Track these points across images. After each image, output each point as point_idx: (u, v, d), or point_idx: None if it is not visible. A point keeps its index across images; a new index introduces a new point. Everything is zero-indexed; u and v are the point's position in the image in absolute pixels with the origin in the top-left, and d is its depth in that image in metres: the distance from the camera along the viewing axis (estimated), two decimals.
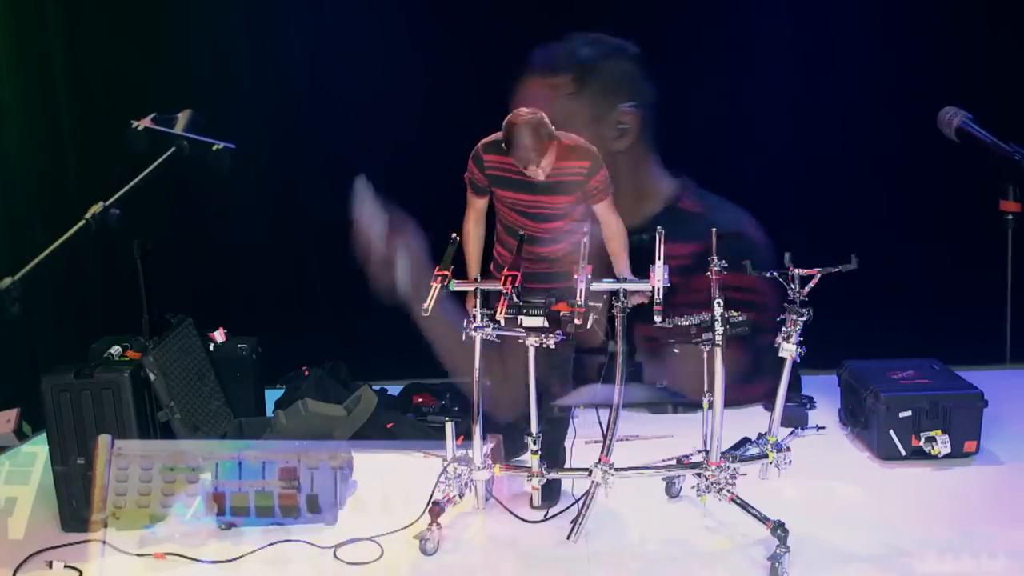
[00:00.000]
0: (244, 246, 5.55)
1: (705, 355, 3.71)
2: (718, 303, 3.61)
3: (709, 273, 3.65)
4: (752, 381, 4.97)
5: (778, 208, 5.28)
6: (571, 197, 3.91)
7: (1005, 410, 4.71)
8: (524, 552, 3.80)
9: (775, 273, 3.71)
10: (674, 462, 3.91)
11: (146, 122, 2.33)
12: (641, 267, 3.77)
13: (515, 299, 3.63)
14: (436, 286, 3.68)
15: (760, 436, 3.84)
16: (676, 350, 3.87)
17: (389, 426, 4.88)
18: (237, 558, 3.80)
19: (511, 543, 3.86)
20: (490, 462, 3.84)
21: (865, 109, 5.47)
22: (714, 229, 3.76)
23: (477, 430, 3.81)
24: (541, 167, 3.74)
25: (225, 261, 5.56)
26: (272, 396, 5.23)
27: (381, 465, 4.56)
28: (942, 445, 4.39)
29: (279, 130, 5.41)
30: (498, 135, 3.84)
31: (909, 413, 4.42)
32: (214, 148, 2.12)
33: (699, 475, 3.75)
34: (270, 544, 3.88)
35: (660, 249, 3.67)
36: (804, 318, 3.66)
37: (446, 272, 3.72)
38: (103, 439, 3.93)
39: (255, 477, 3.99)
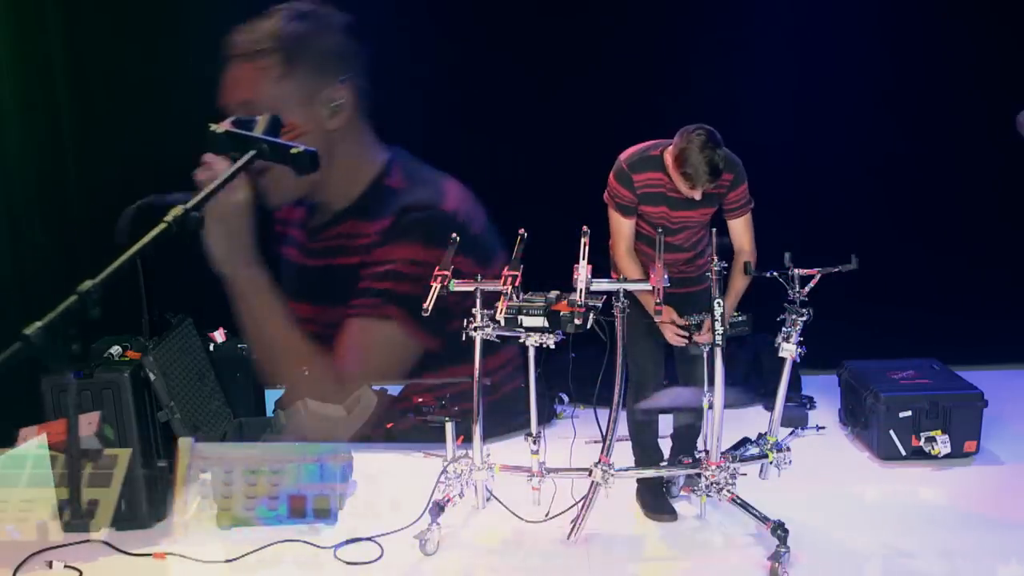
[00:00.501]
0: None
1: (705, 355, 3.73)
2: (718, 303, 3.60)
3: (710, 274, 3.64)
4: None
5: (779, 208, 5.28)
6: (713, 208, 3.77)
7: (1005, 410, 4.71)
8: (524, 552, 3.81)
9: (775, 273, 3.70)
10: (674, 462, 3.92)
11: (226, 125, 2.32)
12: None
13: (515, 299, 3.64)
14: (436, 286, 3.67)
15: (760, 436, 3.84)
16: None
17: (389, 426, 4.88)
18: (237, 558, 3.80)
19: (511, 543, 3.86)
20: (490, 462, 3.85)
21: (866, 109, 5.47)
22: (714, 229, 3.76)
23: (477, 430, 3.81)
24: (707, 188, 3.57)
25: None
26: (272, 396, 5.23)
27: (381, 465, 4.56)
28: (942, 445, 4.40)
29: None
30: (642, 149, 3.72)
31: (909, 413, 4.42)
32: (293, 151, 2.12)
33: (699, 475, 3.75)
34: (270, 544, 3.88)
35: (660, 249, 3.67)
36: (804, 318, 3.66)
37: (446, 272, 3.71)
38: (185, 442, 3.93)
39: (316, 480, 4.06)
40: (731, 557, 3.72)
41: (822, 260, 3.73)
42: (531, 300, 3.68)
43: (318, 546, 3.86)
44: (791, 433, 3.94)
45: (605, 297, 3.72)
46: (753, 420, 4.36)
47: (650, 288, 3.58)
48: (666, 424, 4.11)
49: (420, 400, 5.13)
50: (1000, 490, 4.21)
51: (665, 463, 3.98)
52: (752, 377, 5.22)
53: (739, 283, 3.79)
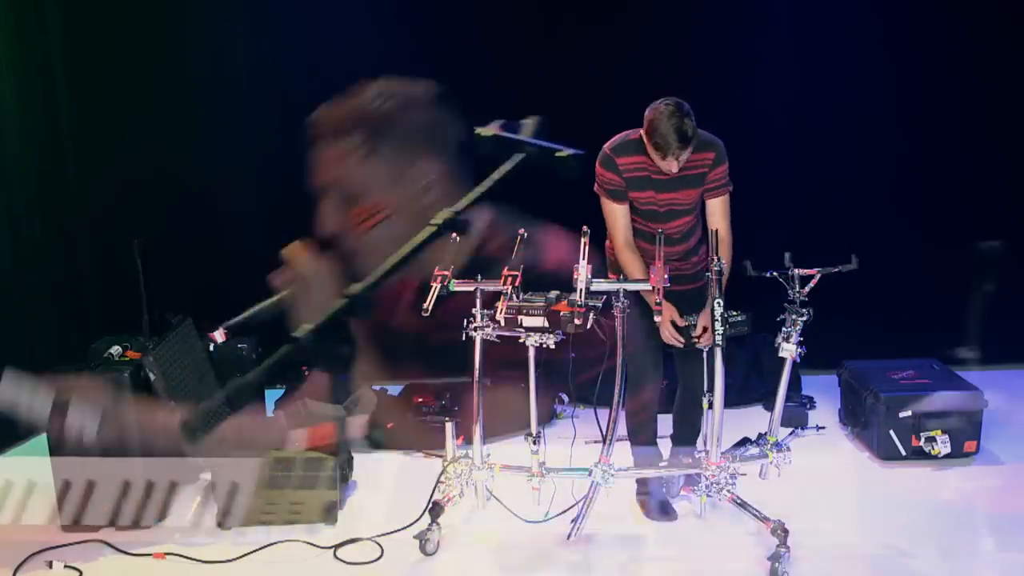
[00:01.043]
0: (245, 246, 5.55)
1: (705, 354, 3.73)
2: (718, 303, 3.60)
3: (709, 274, 3.64)
4: None
5: (779, 208, 5.29)
6: (698, 190, 3.81)
7: (1005, 410, 4.71)
8: (524, 552, 3.80)
9: (775, 273, 3.70)
10: (674, 462, 3.92)
11: (494, 128, 2.33)
12: None
13: (515, 299, 3.64)
14: (436, 286, 3.67)
15: (760, 436, 3.83)
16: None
17: (390, 426, 4.88)
18: (237, 558, 3.80)
19: (511, 543, 3.86)
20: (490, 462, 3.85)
21: (866, 109, 5.47)
22: (715, 230, 3.76)
23: (477, 430, 3.81)
24: (680, 159, 3.63)
25: (225, 261, 5.56)
26: (272, 396, 5.23)
27: (381, 465, 4.56)
28: (942, 445, 4.40)
29: (279, 130, 5.40)
30: (624, 135, 3.80)
31: (909, 413, 4.42)
32: (558, 155, 2.13)
33: (699, 475, 3.75)
34: (270, 544, 3.88)
35: (660, 249, 3.67)
36: (804, 318, 3.66)
37: (446, 272, 3.71)
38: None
39: None
40: (731, 557, 3.72)
41: (822, 260, 3.73)
42: (531, 300, 3.68)
43: (318, 546, 3.86)
44: (791, 433, 3.94)
45: (605, 297, 3.72)
46: (753, 420, 4.36)
47: (651, 288, 3.58)
48: (664, 424, 4.11)
49: (420, 400, 5.14)
50: (1000, 490, 4.21)
51: (665, 463, 3.98)
52: (752, 377, 5.22)
53: (727, 256, 3.79)
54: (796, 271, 3.69)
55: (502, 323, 3.65)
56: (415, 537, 3.79)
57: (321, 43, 5.45)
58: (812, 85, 5.43)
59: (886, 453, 4.46)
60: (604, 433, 3.75)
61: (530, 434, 3.80)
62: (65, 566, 3.75)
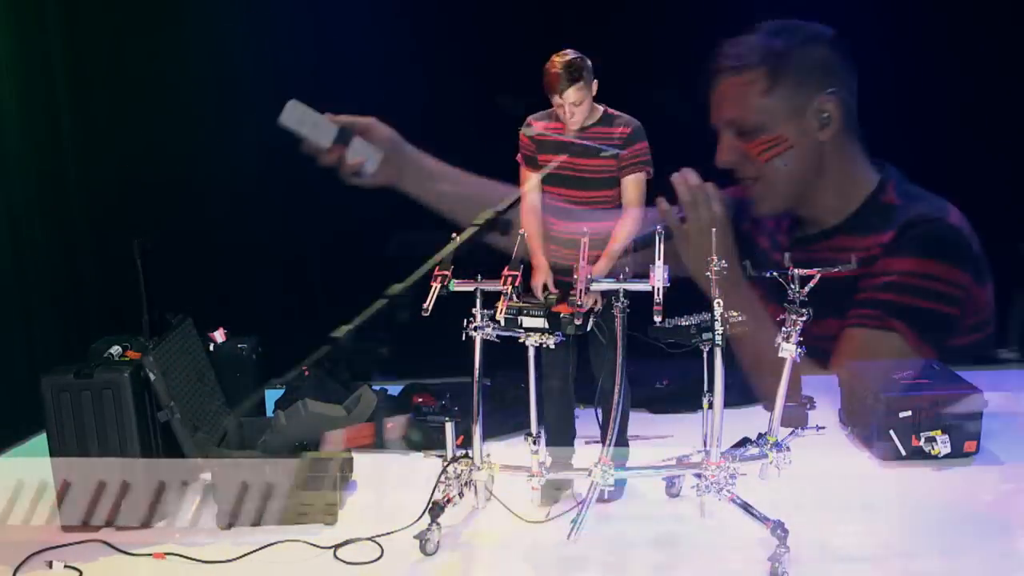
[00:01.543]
0: (244, 246, 5.56)
1: (705, 354, 3.73)
2: (718, 303, 3.60)
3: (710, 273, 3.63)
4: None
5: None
6: (610, 162, 3.85)
7: (1005, 410, 4.71)
8: (524, 552, 3.80)
9: (775, 273, 3.70)
10: (674, 462, 3.91)
11: None
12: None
13: (515, 299, 3.64)
14: (436, 286, 3.67)
15: (760, 436, 3.83)
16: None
17: (390, 426, 4.87)
18: (237, 558, 3.80)
19: (511, 543, 3.86)
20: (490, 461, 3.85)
21: (866, 109, 5.46)
22: (713, 230, 3.76)
23: (477, 430, 3.81)
24: (579, 109, 3.73)
25: (225, 261, 5.56)
26: (272, 396, 5.23)
27: (381, 465, 4.56)
28: (942, 445, 4.39)
29: (279, 130, 5.41)
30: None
31: (909, 413, 4.42)
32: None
33: (699, 475, 3.75)
34: (270, 544, 3.88)
35: (660, 249, 3.66)
36: (804, 318, 3.66)
37: (446, 272, 3.71)
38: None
39: None
40: (731, 557, 3.72)
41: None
42: (531, 300, 3.68)
43: (318, 546, 3.86)
44: (791, 433, 3.94)
45: (605, 298, 3.72)
46: (753, 420, 4.36)
47: (649, 288, 3.58)
48: (663, 425, 4.11)
49: (420, 400, 5.14)
50: (1000, 490, 4.21)
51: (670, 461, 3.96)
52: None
53: (621, 229, 3.82)
54: (796, 271, 3.69)
55: (502, 323, 3.65)
56: (415, 537, 3.79)
57: (321, 43, 5.45)
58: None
59: (886, 453, 4.46)
60: (604, 433, 3.75)
61: (530, 434, 3.81)
62: (65, 566, 3.74)
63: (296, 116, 4.95)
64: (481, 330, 3.73)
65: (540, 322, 3.61)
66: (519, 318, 3.63)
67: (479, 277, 3.74)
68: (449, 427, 3.85)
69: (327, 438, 4.43)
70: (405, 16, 5.34)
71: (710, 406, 3.71)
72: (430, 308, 3.61)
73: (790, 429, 3.98)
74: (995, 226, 5.28)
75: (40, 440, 4.27)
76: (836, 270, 3.70)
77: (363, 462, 4.47)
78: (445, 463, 3.85)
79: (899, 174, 5.28)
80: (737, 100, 5.13)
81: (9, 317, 5.17)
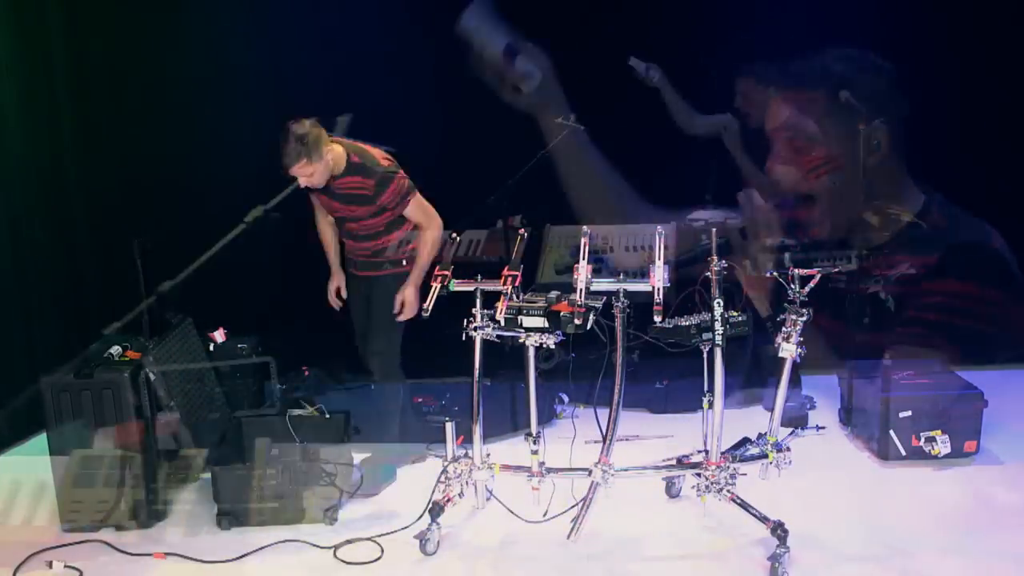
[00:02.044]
0: (244, 246, 5.55)
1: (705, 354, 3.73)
2: (718, 303, 3.60)
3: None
4: None
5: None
6: (365, 208, 4.21)
7: (1005, 410, 4.71)
8: (524, 552, 3.80)
9: (775, 273, 3.70)
10: (674, 462, 3.91)
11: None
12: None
13: (515, 299, 3.64)
14: (436, 286, 3.68)
15: (760, 436, 3.84)
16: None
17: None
18: (237, 558, 3.80)
19: (511, 543, 3.86)
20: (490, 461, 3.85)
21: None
22: (713, 230, 3.75)
23: (477, 430, 3.81)
24: (305, 176, 4.09)
25: (225, 261, 5.55)
26: (272, 396, 5.22)
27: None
28: (942, 445, 4.39)
29: (279, 130, 5.40)
30: None
31: (909, 413, 4.42)
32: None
33: (699, 475, 3.75)
34: (270, 544, 3.88)
35: (660, 249, 3.66)
36: (804, 318, 3.66)
37: (446, 272, 3.72)
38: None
39: None
40: (731, 557, 3.72)
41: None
42: (531, 300, 3.68)
43: (318, 546, 3.86)
44: (791, 433, 3.94)
45: (605, 298, 3.72)
46: (753, 420, 4.36)
47: (649, 288, 3.58)
48: (663, 425, 4.10)
49: (420, 400, 5.14)
50: (1000, 490, 4.21)
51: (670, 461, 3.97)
52: (752, 377, 5.22)
53: (423, 248, 4.26)
54: (796, 271, 3.69)
55: (502, 323, 3.65)
56: (415, 537, 3.79)
57: (321, 43, 5.45)
58: (811, 84, 5.42)
59: (886, 453, 4.46)
60: (604, 433, 3.75)
61: (530, 434, 3.81)
62: (65, 566, 3.74)
63: (476, 19, 5.25)
64: (481, 330, 3.73)
65: (540, 321, 3.61)
66: (519, 318, 3.63)
67: (479, 277, 3.74)
68: (449, 427, 3.85)
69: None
70: (406, 15, 5.34)
71: (710, 406, 3.72)
72: (430, 308, 3.61)
73: (790, 429, 3.98)
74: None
75: (40, 440, 4.27)
76: (836, 270, 3.70)
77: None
78: (445, 463, 3.85)
79: (942, 197, 5.48)
80: (795, 116, 5.35)
81: (9, 317, 5.17)
